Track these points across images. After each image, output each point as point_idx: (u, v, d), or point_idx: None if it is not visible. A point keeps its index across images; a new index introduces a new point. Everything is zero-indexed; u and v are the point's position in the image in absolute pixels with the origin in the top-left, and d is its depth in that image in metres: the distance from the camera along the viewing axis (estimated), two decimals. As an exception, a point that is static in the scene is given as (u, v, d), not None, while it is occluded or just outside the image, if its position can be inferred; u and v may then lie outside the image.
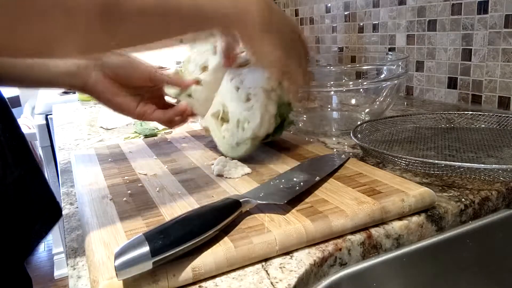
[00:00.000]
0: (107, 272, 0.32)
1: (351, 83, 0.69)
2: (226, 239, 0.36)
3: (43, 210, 0.60)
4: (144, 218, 0.40)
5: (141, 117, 0.58)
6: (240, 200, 0.39)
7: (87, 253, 0.36)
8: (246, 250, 0.35)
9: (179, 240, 0.32)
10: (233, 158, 0.55)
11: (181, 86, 0.60)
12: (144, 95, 0.58)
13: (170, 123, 0.60)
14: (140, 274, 0.31)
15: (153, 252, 0.30)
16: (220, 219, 0.36)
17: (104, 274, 0.32)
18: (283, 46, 0.49)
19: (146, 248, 0.30)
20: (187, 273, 0.33)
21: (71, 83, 0.56)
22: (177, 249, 0.32)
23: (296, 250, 0.37)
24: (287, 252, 0.37)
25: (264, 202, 0.40)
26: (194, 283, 0.33)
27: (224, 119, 0.59)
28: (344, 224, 0.39)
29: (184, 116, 0.60)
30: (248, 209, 0.40)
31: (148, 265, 0.30)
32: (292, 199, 0.41)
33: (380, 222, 0.41)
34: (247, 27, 0.45)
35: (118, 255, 0.30)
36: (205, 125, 0.62)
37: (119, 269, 0.29)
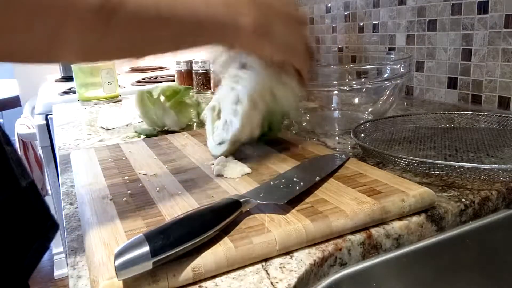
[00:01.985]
0: (107, 272, 0.32)
1: (354, 82, 0.69)
2: (226, 239, 0.36)
3: (41, 227, 0.55)
4: (144, 218, 0.40)
5: None
6: (240, 200, 0.39)
7: (87, 253, 0.36)
8: (246, 250, 0.35)
9: (179, 240, 0.32)
10: (215, 156, 0.56)
11: None
12: None
13: None
14: (140, 274, 0.31)
15: (153, 252, 0.30)
16: (220, 219, 0.36)
17: (104, 274, 0.32)
18: (283, 47, 0.48)
19: (146, 248, 0.30)
20: (187, 273, 0.33)
21: None
22: (177, 249, 0.32)
23: (296, 250, 0.37)
24: (287, 252, 0.37)
25: (264, 202, 0.40)
26: (194, 283, 0.33)
27: (218, 115, 0.59)
28: (344, 224, 0.39)
29: None
30: (248, 209, 0.40)
31: (148, 265, 0.30)
32: (292, 199, 0.41)
33: (380, 222, 0.41)
34: (240, 33, 0.44)
35: (118, 255, 0.30)
36: (202, 117, 0.62)
37: (119, 269, 0.29)
